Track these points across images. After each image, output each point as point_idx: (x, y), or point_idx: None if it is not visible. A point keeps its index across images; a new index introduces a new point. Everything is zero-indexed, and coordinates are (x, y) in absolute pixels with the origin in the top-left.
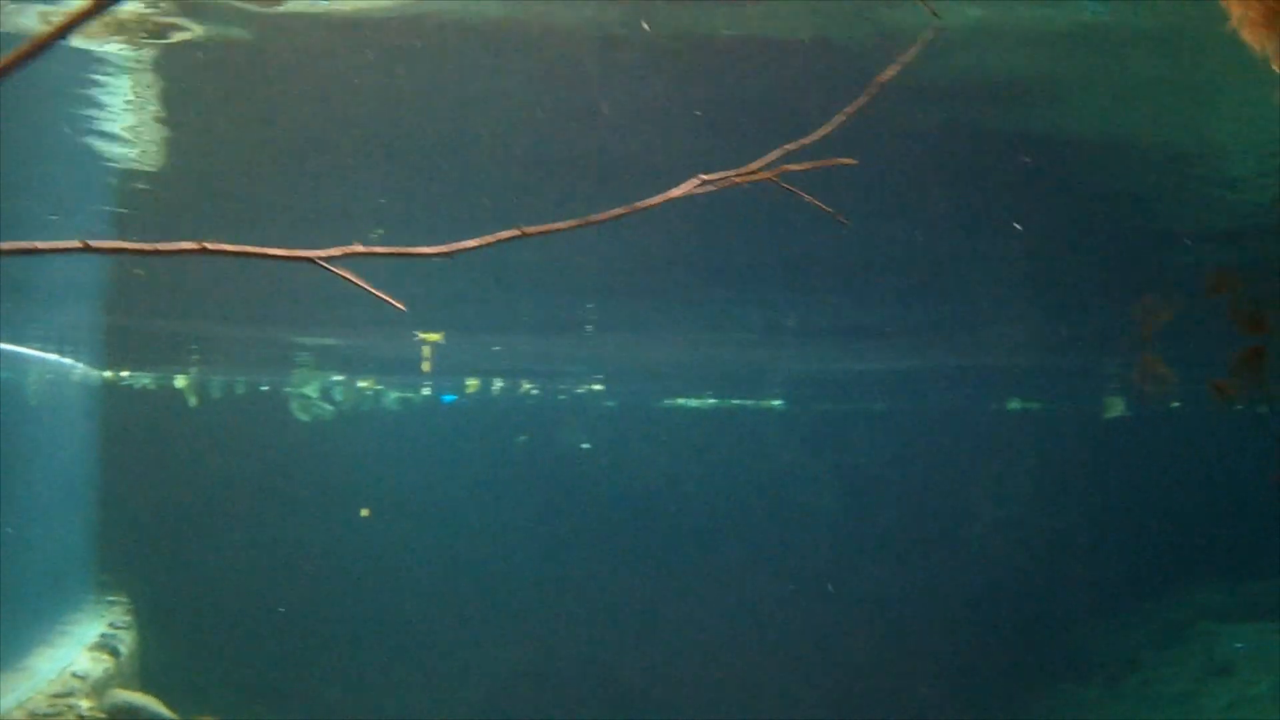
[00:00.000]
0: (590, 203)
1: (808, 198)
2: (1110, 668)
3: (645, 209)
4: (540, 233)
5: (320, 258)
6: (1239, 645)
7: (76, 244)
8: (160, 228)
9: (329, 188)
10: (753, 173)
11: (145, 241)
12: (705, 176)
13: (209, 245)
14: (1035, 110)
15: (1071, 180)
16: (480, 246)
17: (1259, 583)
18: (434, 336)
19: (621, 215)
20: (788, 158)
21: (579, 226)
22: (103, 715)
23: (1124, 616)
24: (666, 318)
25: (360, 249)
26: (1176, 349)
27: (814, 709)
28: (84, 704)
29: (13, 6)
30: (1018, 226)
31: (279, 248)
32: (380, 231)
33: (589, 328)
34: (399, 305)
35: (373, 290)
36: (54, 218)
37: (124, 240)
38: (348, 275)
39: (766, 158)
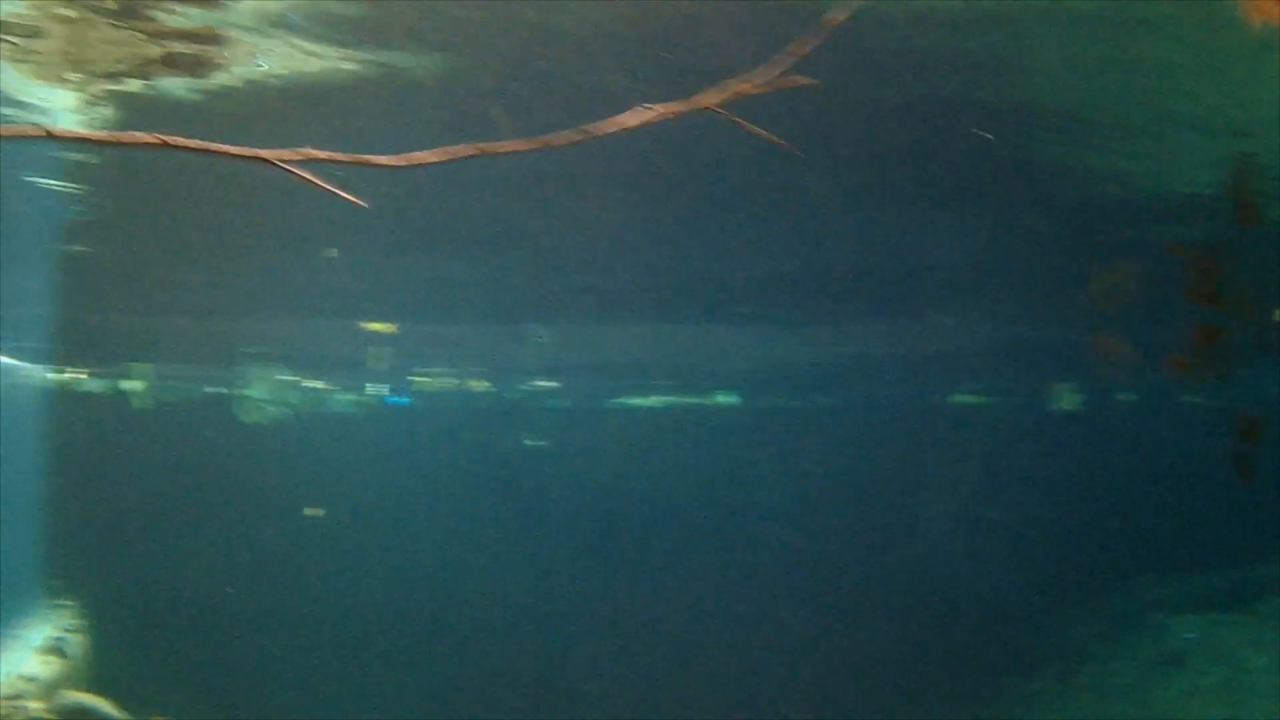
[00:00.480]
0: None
1: (752, 128)
2: (1059, 660)
3: (598, 135)
4: (498, 150)
5: (276, 159)
6: (1189, 636)
7: (39, 130)
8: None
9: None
10: (699, 103)
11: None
12: (650, 105)
13: (167, 139)
14: (987, 83)
15: (1025, 157)
16: (439, 161)
17: (1208, 574)
18: (381, 326)
19: (576, 140)
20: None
21: (536, 148)
22: (53, 716)
23: (1072, 609)
24: (617, 310)
25: (316, 152)
26: (1132, 331)
27: (760, 704)
28: (34, 705)
29: None
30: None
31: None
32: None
33: (541, 337)
34: (359, 202)
35: (328, 187)
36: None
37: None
38: (305, 175)
39: (714, 89)
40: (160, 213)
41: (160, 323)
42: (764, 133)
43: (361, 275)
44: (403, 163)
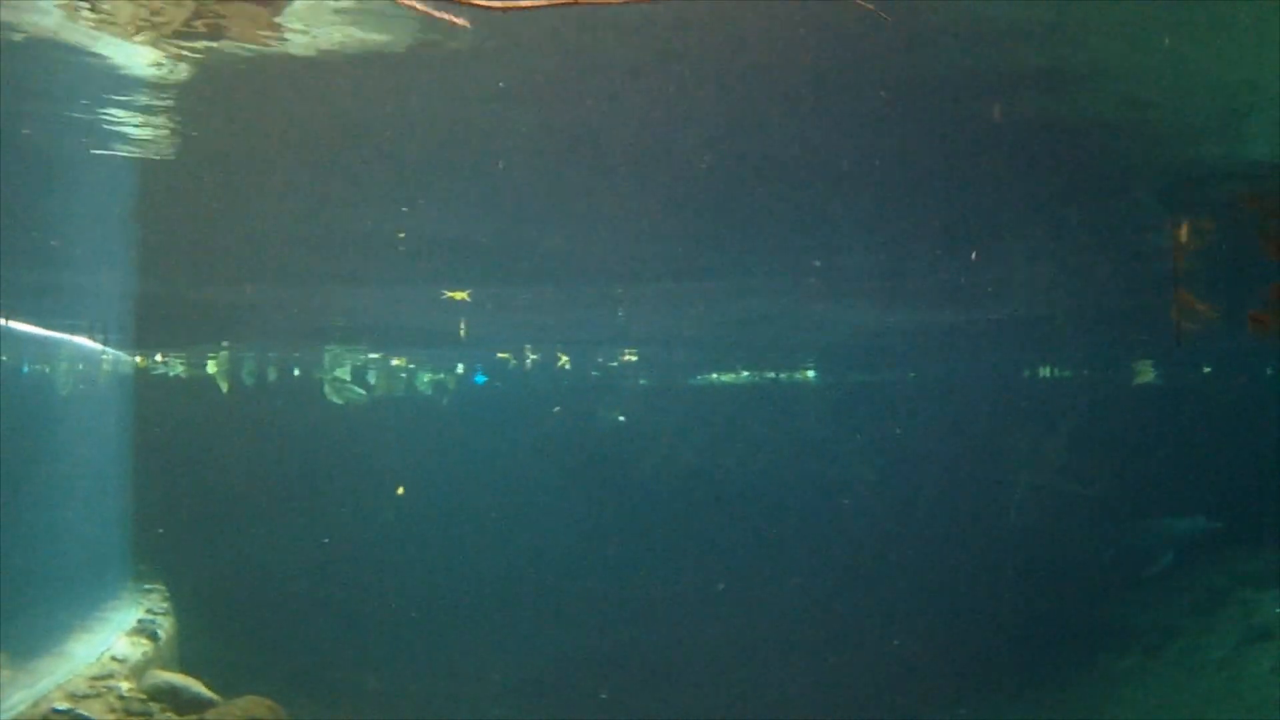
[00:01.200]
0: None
1: None
2: (1149, 637)
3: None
4: None
5: None
6: (1278, 610)
7: None
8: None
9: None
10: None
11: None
12: None
13: None
14: (1044, 50)
15: (1086, 128)
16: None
17: None
18: (461, 295)
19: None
20: None
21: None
22: (142, 695)
23: (1161, 585)
24: (693, 289)
25: None
26: (1213, 290)
27: (853, 675)
28: (123, 685)
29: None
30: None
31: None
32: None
33: (620, 312)
34: (460, 22)
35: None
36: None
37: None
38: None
39: None
40: (237, 183)
41: (243, 299)
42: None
43: (441, 243)
44: (500, 6)
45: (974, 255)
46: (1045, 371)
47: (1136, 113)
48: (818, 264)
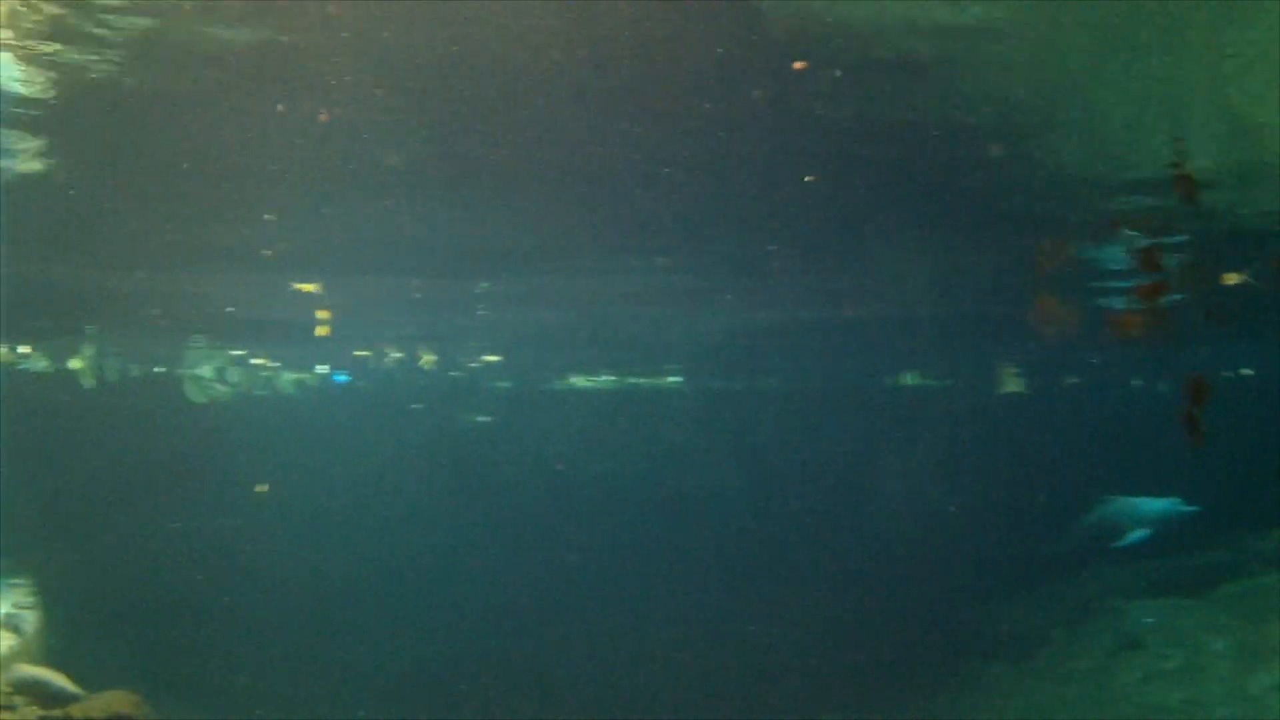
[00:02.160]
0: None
1: None
2: (1019, 644)
3: None
4: None
5: None
6: (1148, 620)
7: None
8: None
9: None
10: None
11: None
12: None
13: None
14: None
15: (963, 137)
16: None
17: (1165, 559)
18: (310, 288)
19: None
20: None
21: None
22: (7, 689)
23: (1032, 594)
24: (560, 286)
25: None
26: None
27: (712, 689)
28: None
29: None
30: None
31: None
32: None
33: (480, 310)
34: None
35: None
36: None
37: None
38: None
39: None
40: (106, 168)
41: (108, 288)
42: None
43: (298, 234)
44: None
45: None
46: (911, 379)
47: (1003, 115)
48: (664, 262)
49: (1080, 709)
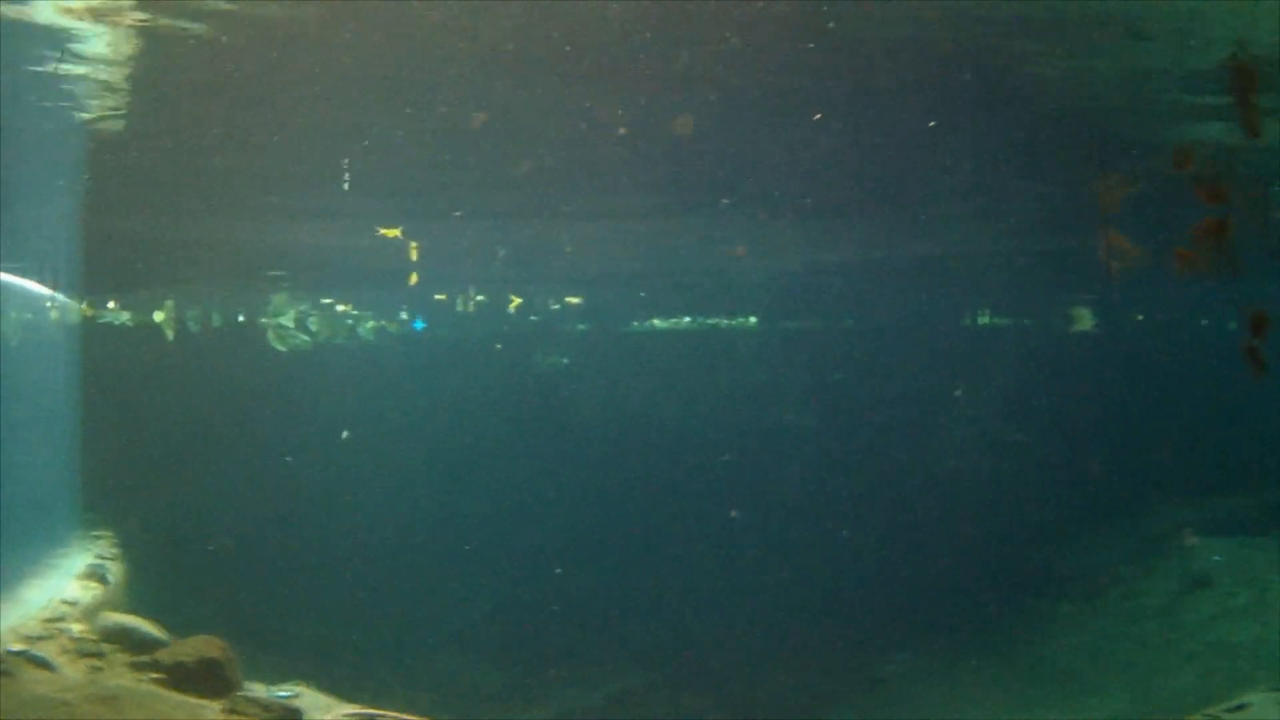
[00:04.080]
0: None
1: None
2: (1088, 583)
3: None
4: None
5: None
6: (1217, 558)
7: None
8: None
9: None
10: None
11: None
12: None
13: None
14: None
15: (1023, 72)
16: None
17: (1235, 497)
18: (393, 232)
19: None
20: None
21: None
22: (95, 637)
23: (1101, 532)
24: (636, 232)
25: None
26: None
27: (794, 619)
28: (75, 627)
29: None
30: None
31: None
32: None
33: (567, 249)
34: None
35: None
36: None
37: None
38: None
39: None
40: (183, 124)
41: (190, 239)
42: None
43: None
44: None
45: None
46: (984, 319)
47: (1075, 60)
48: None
49: (1150, 646)
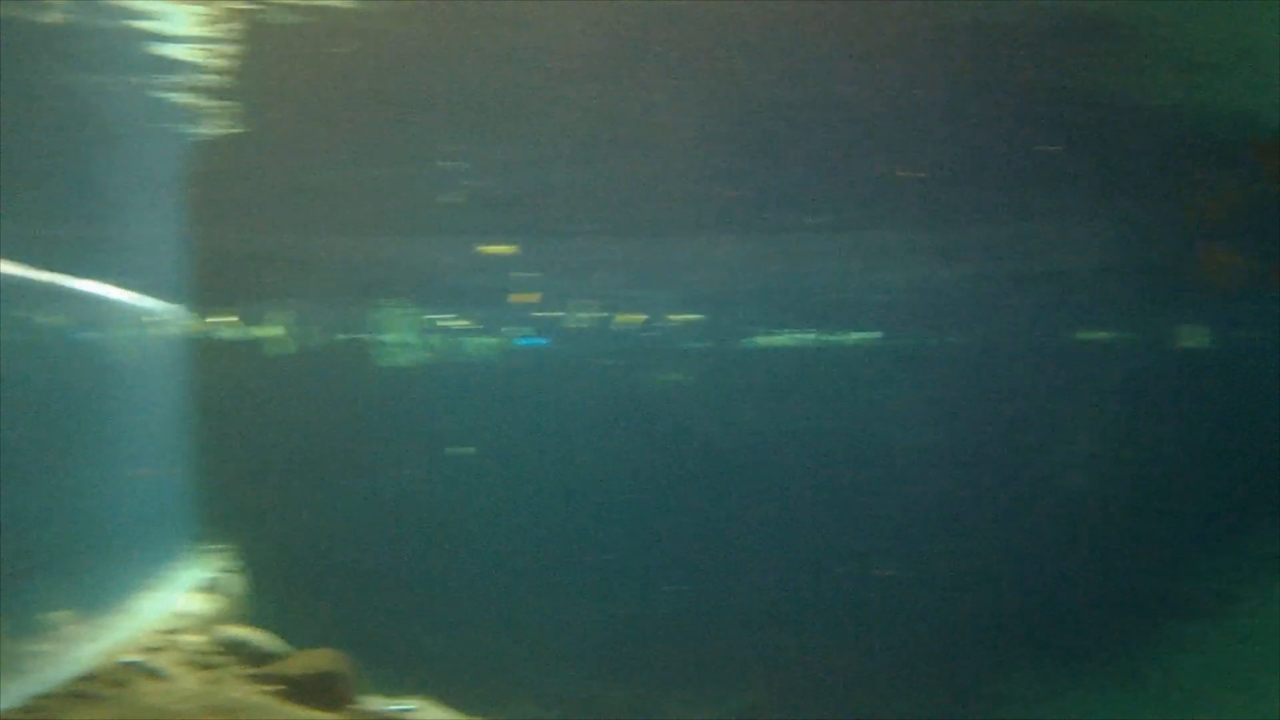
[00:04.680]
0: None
1: None
2: (1208, 603)
3: None
4: None
5: None
6: None
7: None
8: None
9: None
10: None
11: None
12: None
13: None
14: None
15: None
16: None
17: None
18: (504, 249)
19: None
20: None
21: None
22: (214, 649)
23: (1220, 552)
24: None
25: None
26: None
27: (918, 637)
28: (192, 639)
29: None
30: None
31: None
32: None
33: (682, 270)
34: None
35: None
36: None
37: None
38: None
39: None
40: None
41: (301, 256)
42: None
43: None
44: None
45: None
46: (1100, 334)
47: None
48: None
49: (1271, 667)
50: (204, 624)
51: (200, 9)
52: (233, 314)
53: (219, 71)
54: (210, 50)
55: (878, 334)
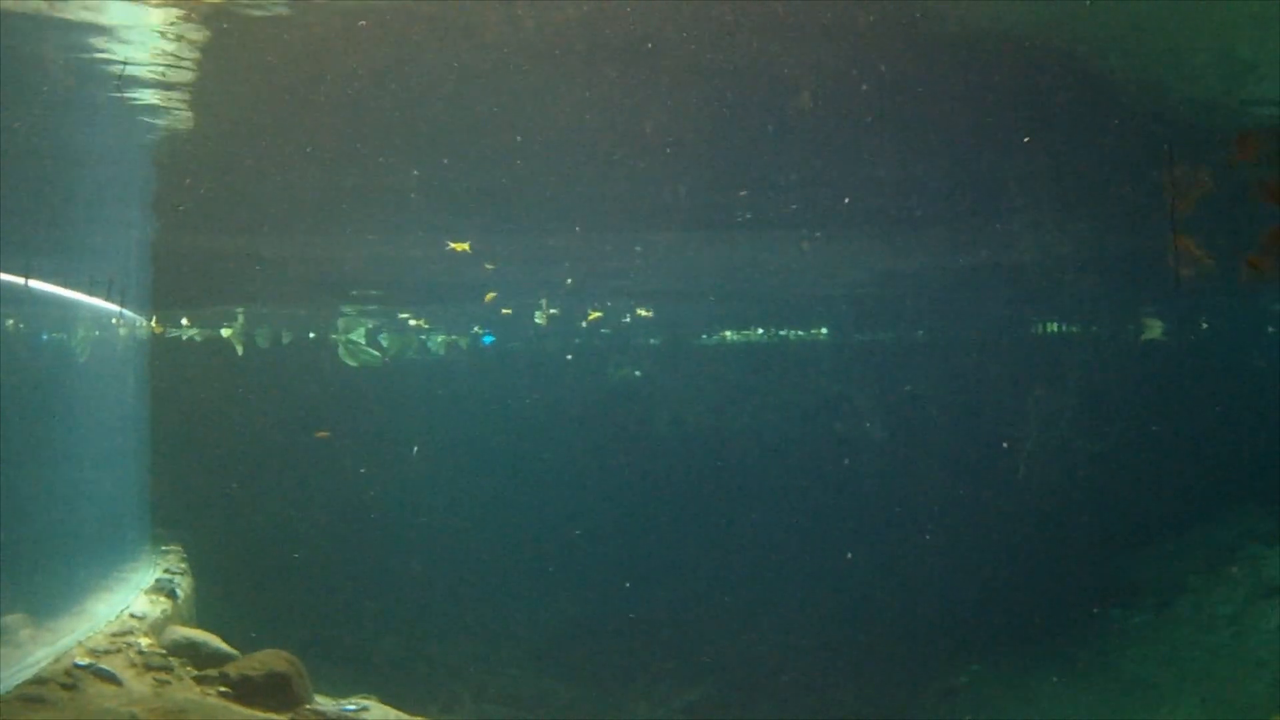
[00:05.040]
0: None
1: None
2: (1159, 593)
3: None
4: None
5: None
6: None
7: None
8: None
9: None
10: None
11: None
12: None
13: None
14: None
15: (1092, 73)
16: None
17: None
18: (463, 246)
19: None
20: None
21: None
22: (162, 651)
23: (1171, 542)
24: (709, 241)
25: None
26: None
27: (865, 631)
28: (143, 641)
29: None
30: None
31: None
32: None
33: (637, 248)
34: None
35: None
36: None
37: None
38: None
39: None
40: (252, 135)
41: (260, 254)
42: None
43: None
44: None
45: None
46: (1052, 327)
47: (1136, 63)
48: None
49: (1221, 655)
50: (156, 626)
51: (164, 10)
52: (191, 315)
53: (176, 57)
54: (173, 53)
55: (825, 330)
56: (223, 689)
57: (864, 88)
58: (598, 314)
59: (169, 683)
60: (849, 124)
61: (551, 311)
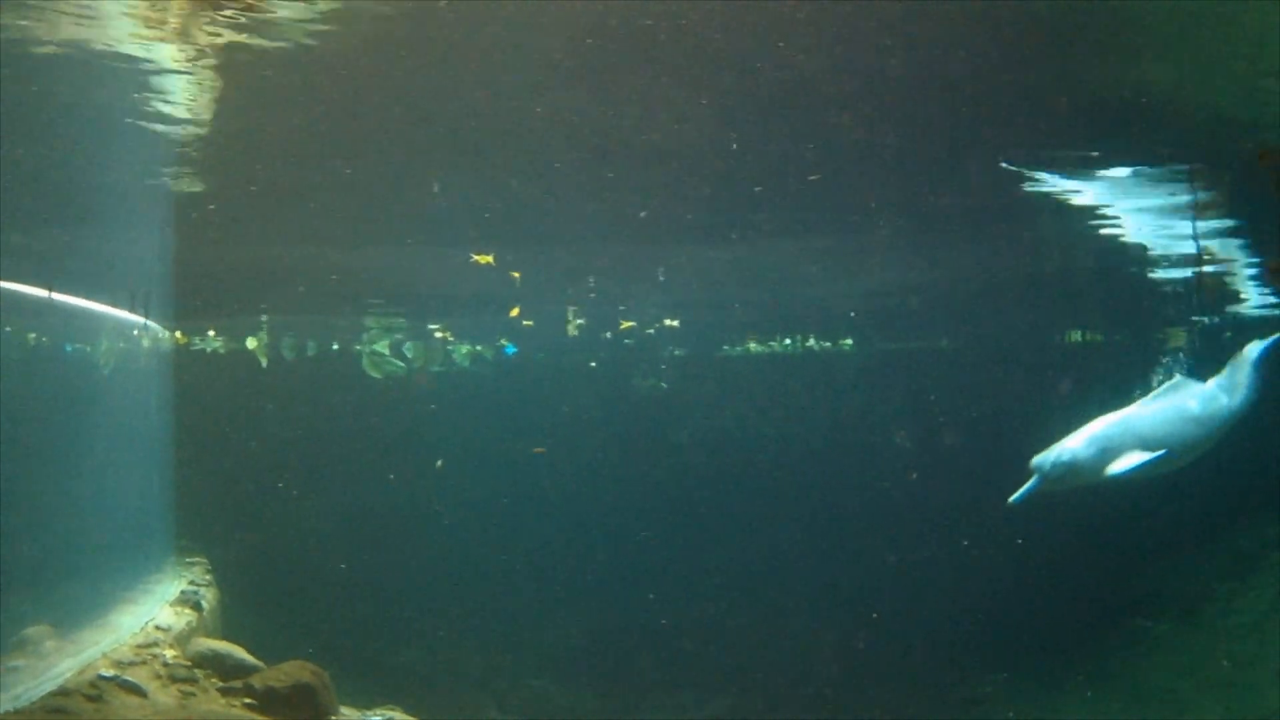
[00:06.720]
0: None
1: None
2: (1182, 601)
3: None
4: None
5: None
6: None
7: None
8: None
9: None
10: None
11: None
12: None
13: None
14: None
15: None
16: None
17: None
18: (487, 259)
19: None
20: None
21: None
22: (187, 663)
23: (1194, 550)
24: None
25: None
26: None
27: (893, 641)
28: (168, 653)
29: None
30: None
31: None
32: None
33: (659, 269)
34: None
35: None
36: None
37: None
38: None
39: None
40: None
41: (283, 266)
42: None
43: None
44: None
45: None
46: (1077, 336)
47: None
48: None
49: (1244, 664)
50: (181, 638)
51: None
52: (216, 327)
53: (205, 89)
54: (196, 68)
55: (850, 341)
56: (248, 700)
57: (881, 92)
58: (629, 324)
59: (194, 694)
60: (864, 130)
61: (579, 322)
